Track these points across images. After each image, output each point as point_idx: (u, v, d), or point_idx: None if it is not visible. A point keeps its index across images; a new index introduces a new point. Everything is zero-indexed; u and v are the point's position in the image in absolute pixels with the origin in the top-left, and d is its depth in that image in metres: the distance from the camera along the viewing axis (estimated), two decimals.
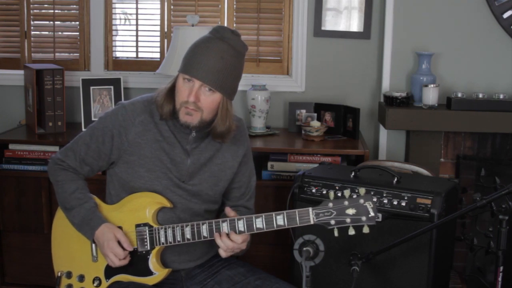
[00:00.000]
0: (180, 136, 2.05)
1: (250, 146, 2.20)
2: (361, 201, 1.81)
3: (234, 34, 1.99)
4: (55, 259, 2.17)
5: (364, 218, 1.80)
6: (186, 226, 1.97)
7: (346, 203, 1.82)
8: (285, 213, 1.87)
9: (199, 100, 1.94)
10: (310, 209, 1.84)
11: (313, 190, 2.36)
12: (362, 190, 1.82)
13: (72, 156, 2.09)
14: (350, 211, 1.81)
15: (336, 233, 1.83)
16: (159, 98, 2.02)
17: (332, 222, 1.82)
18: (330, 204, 1.83)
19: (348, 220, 1.81)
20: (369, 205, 1.80)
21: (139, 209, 2.02)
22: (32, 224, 3.03)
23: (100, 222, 2.01)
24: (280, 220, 1.88)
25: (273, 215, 1.88)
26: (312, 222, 1.84)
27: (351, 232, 1.81)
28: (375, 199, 1.83)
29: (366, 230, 1.81)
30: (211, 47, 1.93)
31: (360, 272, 1.99)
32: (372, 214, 1.80)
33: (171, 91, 2.01)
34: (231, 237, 1.91)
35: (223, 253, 1.95)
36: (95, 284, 2.07)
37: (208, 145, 2.08)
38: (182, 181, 2.05)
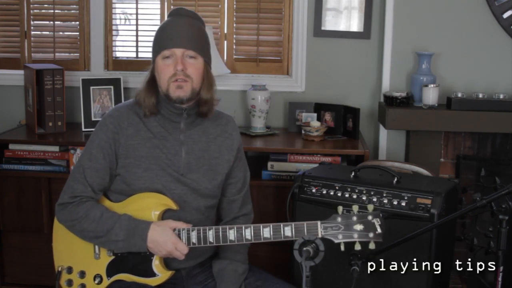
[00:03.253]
0: (171, 127, 2.06)
1: (242, 142, 2.22)
2: (370, 217, 1.82)
3: (190, 11, 2.06)
4: (56, 253, 2.15)
5: (371, 235, 1.82)
6: (192, 230, 1.96)
7: (354, 218, 1.83)
8: (293, 224, 1.88)
9: (186, 68, 1.98)
10: (319, 222, 1.86)
11: (313, 190, 2.36)
12: (370, 207, 1.84)
13: (81, 187, 2.01)
14: (358, 227, 1.83)
15: (342, 248, 1.84)
16: (141, 93, 2.04)
17: (340, 236, 1.84)
18: (339, 219, 1.84)
19: (355, 235, 1.83)
20: (376, 222, 1.82)
21: (144, 209, 2.01)
22: (32, 224, 3.03)
23: (148, 224, 1.95)
24: (288, 231, 1.89)
25: (281, 225, 1.89)
26: (319, 236, 1.85)
27: (357, 247, 1.83)
28: (381, 216, 1.84)
29: (372, 246, 1.82)
30: (177, 21, 2.01)
31: (360, 272, 1.99)
32: (379, 231, 1.82)
33: (151, 83, 2.04)
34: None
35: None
36: (96, 281, 2.06)
37: (202, 136, 2.09)
38: (181, 174, 2.04)
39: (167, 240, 1.93)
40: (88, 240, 2.02)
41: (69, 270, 2.11)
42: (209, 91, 2.05)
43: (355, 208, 1.84)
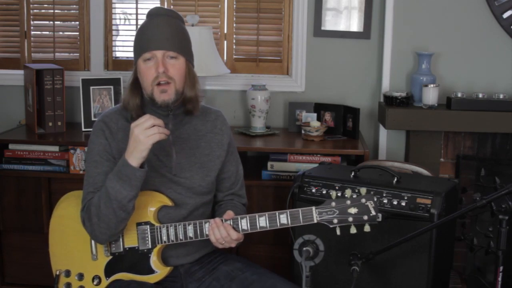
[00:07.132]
0: None
1: (232, 136, 2.22)
2: (363, 200, 1.84)
3: (168, 9, 2.06)
4: (53, 257, 2.16)
5: (365, 217, 1.83)
6: (189, 224, 1.98)
7: (348, 202, 1.85)
8: (288, 212, 1.90)
9: (167, 69, 1.97)
10: (314, 208, 1.87)
11: (313, 190, 2.36)
12: (363, 190, 1.85)
13: (92, 195, 2.00)
14: (352, 210, 1.84)
15: (338, 232, 1.86)
16: (126, 96, 2.05)
17: (335, 220, 1.85)
18: (333, 203, 1.86)
19: (350, 219, 1.84)
20: (370, 204, 1.83)
21: (140, 207, 2.01)
22: (32, 224, 3.03)
23: (123, 160, 1.89)
24: (283, 219, 1.90)
25: (277, 213, 1.91)
26: (315, 221, 1.87)
27: (353, 230, 1.85)
28: (375, 199, 1.86)
29: (367, 228, 1.84)
30: (155, 22, 1.99)
31: (360, 272, 1.99)
32: (373, 213, 1.83)
33: (134, 85, 2.04)
34: (227, 229, 1.92)
35: (213, 239, 1.95)
36: (94, 283, 2.07)
37: (191, 134, 2.10)
38: (174, 175, 2.05)
39: (136, 134, 1.86)
40: (119, 220, 1.93)
41: (67, 273, 2.11)
42: (192, 89, 2.04)
43: (348, 192, 1.86)
